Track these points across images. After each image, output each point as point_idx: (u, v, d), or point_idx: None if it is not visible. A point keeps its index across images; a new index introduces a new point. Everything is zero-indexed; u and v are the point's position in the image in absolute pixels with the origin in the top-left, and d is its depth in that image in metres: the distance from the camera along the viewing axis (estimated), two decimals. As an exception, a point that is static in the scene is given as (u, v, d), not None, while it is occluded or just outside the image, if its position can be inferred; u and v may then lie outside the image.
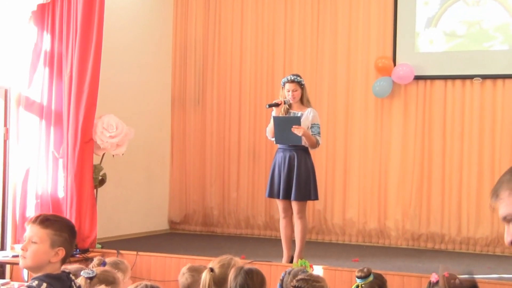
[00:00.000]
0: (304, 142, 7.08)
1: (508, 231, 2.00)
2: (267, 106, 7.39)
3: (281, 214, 7.41)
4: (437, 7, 9.11)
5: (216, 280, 4.49)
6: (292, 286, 4.30)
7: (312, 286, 4.27)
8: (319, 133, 7.20)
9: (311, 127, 7.17)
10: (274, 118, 7.16)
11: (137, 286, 3.85)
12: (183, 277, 4.65)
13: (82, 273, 4.22)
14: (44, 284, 3.40)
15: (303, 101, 7.28)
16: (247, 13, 10.08)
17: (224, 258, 4.70)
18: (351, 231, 9.46)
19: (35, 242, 3.41)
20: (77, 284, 3.65)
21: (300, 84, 7.27)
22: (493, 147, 8.85)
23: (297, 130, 6.97)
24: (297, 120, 7.01)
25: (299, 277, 4.32)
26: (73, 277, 3.63)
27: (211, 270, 4.52)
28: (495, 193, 2.02)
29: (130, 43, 9.43)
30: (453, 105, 9.05)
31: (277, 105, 7.19)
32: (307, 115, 7.17)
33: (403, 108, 9.27)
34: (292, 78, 7.28)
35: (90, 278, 4.16)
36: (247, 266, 4.49)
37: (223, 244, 8.89)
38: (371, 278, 4.72)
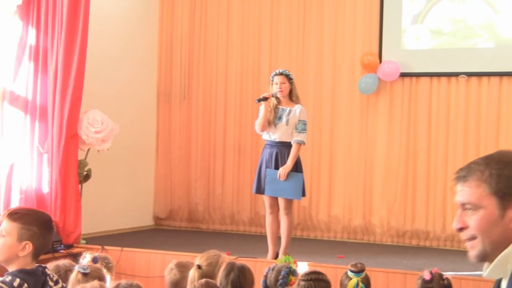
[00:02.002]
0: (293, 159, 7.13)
1: (459, 218, 2.08)
2: (257, 101, 7.39)
3: (267, 210, 7.42)
4: (423, 4, 9.14)
5: (204, 277, 4.50)
6: (302, 280, 4.32)
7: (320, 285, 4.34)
8: (303, 129, 7.19)
9: (297, 123, 7.19)
10: (268, 171, 7.21)
11: (117, 285, 3.85)
12: (171, 273, 4.65)
13: (77, 267, 4.23)
14: (17, 280, 3.40)
15: (292, 97, 7.30)
16: (233, 9, 10.08)
17: (212, 255, 4.70)
18: (336, 228, 9.48)
19: (3, 236, 3.41)
20: (54, 279, 3.64)
21: (289, 78, 7.29)
22: (478, 144, 8.89)
23: (282, 177, 7.07)
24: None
25: (309, 276, 4.35)
26: (48, 271, 3.62)
27: (199, 267, 4.53)
28: (464, 177, 2.10)
29: (115, 38, 9.42)
30: (439, 102, 9.10)
31: (265, 99, 7.21)
32: (295, 112, 7.20)
33: (388, 105, 9.30)
34: (281, 71, 7.33)
35: (85, 274, 4.17)
36: (239, 263, 4.51)
37: (208, 240, 8.91)
38: (364, 274, 4.79)
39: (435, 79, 9.12)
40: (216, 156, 10.10)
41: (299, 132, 7.18)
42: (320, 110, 9.59)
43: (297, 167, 7.23)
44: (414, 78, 9.21)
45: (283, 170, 7.08)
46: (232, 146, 10.02)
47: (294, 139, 7.17)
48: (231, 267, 4.41)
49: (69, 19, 7.71)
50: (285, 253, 6.97)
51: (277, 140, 7.22)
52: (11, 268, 3.50)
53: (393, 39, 9.28)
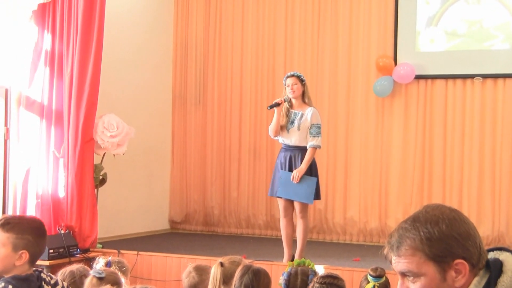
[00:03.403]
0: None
1: (402, 285, 2.03)
2: (268, 108, 7.42)
3: (281, 214, 7.40)
4: (438, 6, 9.14)
5: (225, 275, 4.53)
6: (317, 283, 4.31)
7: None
8: (318, 133, 7.16)
9: (310, 128, 7.15)
10: (282, 173, 7.20)
11: None
12: (189, 276, 4.68)
13: (92, 272, 4.24)
14: (10, 287, 3.37)
15: (305, 99, 7.28)
16: (247, 12, 10.10)
17: (234, 256, 4.76)
18: (352, 230, 9.48)
19: None
20: (52, 281, 3.60)
21: (301, 80, 7.27)
22: (494, 146, 8.89)
23: (295, 179, 7.08)
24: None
25: (324, 279, 4.32)
26: (44, 275, 3.57)
27: (221, 264, 4.57)
28: (396, 248, 2.02)
29: (130, 42, 9.45)
30: (454, 104, 9.09)
31: (277, 105, 7.20)
32: (306, 116, 7.17)
33: (403, 108, 9.30)
34: (293, 73, 7.34)
35: (101, 278, 4.18)
36: (256, 266, 4.50)
37: (224, 243, 8.91)
38: (384, 279, 4.74)
39: (450, 81, 9.11)
40: (232, 160, 10.11)
41: (314, 137, 7.15)
42: (336, 112, 9.59)
43: (311, 171, 7.20)
44: (429, 81, 9.20)
45: (297, 173, 7.06)
46: (247, 149, 10.02)
47: (309, 143, 7.13)
48: (246, 269, 4.42)
49: (84, 24, 7.74)
50: (300, 256, 6.95)
51: (291, 144, 7.20)
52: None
53: (408, 42, 9.28)
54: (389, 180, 9.35)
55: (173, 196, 10.34)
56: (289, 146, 7.23)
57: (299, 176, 7.07)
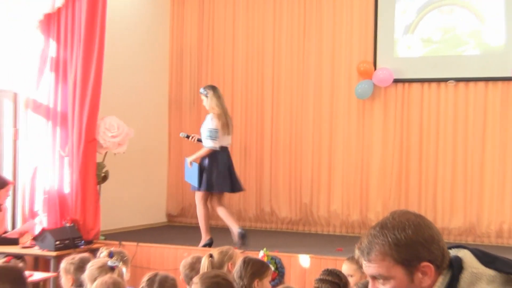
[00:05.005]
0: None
1: (373, 286, 2.04)
2: (181, 135, 8.17)
3: (221, 203, 7.82)
4: (414, 15, 9.17)
5: (214, 265, 4.60)
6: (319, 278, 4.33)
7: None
8: (207, 136, 7.52)
9: (205, 131, 7.58)
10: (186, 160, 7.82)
11: (154, 275, 3.97)
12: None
13: (109, 263, 4.34)
14: None
15: (207, 107, 7.66)
16: (238, 21, 10.12)
17: (224, 248, 4.82)
18: (335, 223, 9.52)
19: None
20: None
21: (204, 95, 7.68)
22: (465, 144, 8.94)
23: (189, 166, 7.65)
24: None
25: (325, 276, 4.35)
26: None
27: (210, 256, 4.63)
28: (367, 253, 2.02)
29: (130, 50, 9.46)
30: (429, 106, 9.13)
31: (187, 137, 7.91)
32: (205, 121, 7.64)
33: (383, 109, 9.34)
34: (200, 91, 7.86)
35: (112, 268, 4.28)
36: (249, 256, 4.57)
37: (217, 235, 8.90)
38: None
39: (426, 85, 9.15)
40: (224, 158, 10.10)
41: (205, 139, 7.56)
42: (320, 114, 9.63)
43: (206, 164, 7.60)
44: (406, 84, 9.24)
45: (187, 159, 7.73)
46: (238, 148, 10.00)
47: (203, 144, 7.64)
48: (241, 259, 4.49)
49: (87, 32, 7.75)
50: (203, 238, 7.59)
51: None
52: None
53: (386, 48, 9.31)
54: (370, 176, 9.39)
55: (170, 192, 10.36)
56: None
57: (189, 161, 7.67)
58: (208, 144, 7.54)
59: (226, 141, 7.70)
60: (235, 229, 7.63)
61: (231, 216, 7.89)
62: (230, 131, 7.73)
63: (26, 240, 7.36)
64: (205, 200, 7.74)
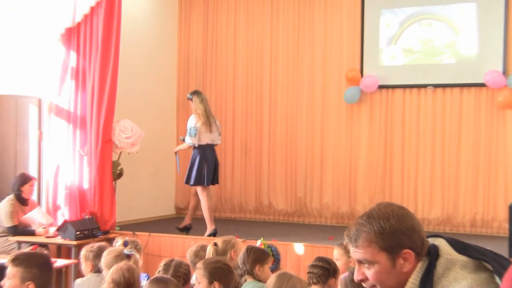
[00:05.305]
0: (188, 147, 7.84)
1: (359, 271, 2.04)
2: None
3: (210, 195, 7.92)
4: (397, 28, 9.18)
5: (218, 252, 4.65)
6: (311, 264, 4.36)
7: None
8: (187, 133, 7.73)
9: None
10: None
11: (170, 261, 4.01)
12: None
13: (125, 251, 4.39)
14: None
15: (192, 110, 7.80)
16: (239, 32, 10.13)
17: (227, 237, 4.86)
18: (326, 214, 9.53)
19: (9, 278, 3.35)
20: None
21: (190, 99, 7.87)
22: (443, 144, 8.95)
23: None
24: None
25: (317, 262, 4.38)
26: None
27: (215, 244, 4.67)
28: (354, 240, 2.02)
29: (141, 58, 9.46)
30: (411, 109, 9.14)
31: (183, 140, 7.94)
32: (188, 121, 7.80)
33: (369, 113, 9.34)
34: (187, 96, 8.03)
35: (128, 256, 4.33)
36: (252, 245, 4.62)
37: (220, 226, 8.89)
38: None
39: (407, 90, 9.16)
40: (227, 156, 10.11)
41: (186, 136, 7.74)
42: (313, 117, 9.64)
43: (194, 160, 7.76)
44: (390, 90, 9.24)
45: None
46: (239, 148, 10.05)
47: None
48: (249, 248, 4.53)
49: (103, 45, 7.77)
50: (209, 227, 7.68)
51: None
52: None
53: (372, 57, 9.31)
54: (357, 172, 9.40)
55: (178, 187, 10.33)
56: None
57: (174, 150, 8.16)
58: (187, 140, 7.71)
59: (210, 139, 7.78)
60: (188, 220, 7.96)
61: (193, 211, 8.08)
62: (214, 130, 7.80)
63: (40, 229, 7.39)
64: (207, 192, 7.76)
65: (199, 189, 7.75)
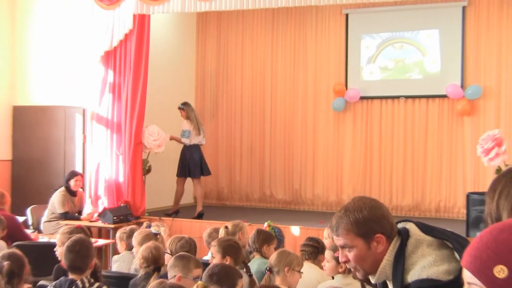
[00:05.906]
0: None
1: (342, 254, 2.04)
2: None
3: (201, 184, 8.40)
4: (375, 50, 9.19)
5: (228, 234, 4.65)
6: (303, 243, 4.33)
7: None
8: (181, 134, 8.02)
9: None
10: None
11: (180, 239, 4.02)
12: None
13: (153, 230, 4.40)
14: None
15: (184, 117, 8.04)
16: (245, 54, 10.10)
17: (236, 221, 4.87)
18: (318, 202, 9.52)
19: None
20: (86, 286, 3.30)
21: (181, 109, 8.09)
22: (412, 144, 8.95)
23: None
24: None
25: (308, 242, 4.34)
26: (80, 284, 3.27)
27: (226, 227, 4.68)
28: (335, 230, 2.03)
29: (166, 75, 9.41)
30: (386, 116, 9.13)
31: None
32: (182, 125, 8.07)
33: (352, 119, 9.33)
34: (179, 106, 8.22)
35: (156, 234, 4.34)
36: (261, 228, 4.63)
37: (231, 212, 8.93)
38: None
39: (383, 101, 9.15)
40: (236, 155, 10.12)
41: (181, 136, 8.01)
42: (306, 122, 9.62)
43: (185, 156, 8.11)
44: (369, 100, 9.24)
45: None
46: (246, 148, 10.03)
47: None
48: (258, 231, 4.53)
49: (135, 64, 7.78)
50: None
51: None
52: None
53: (355, 73, 9.29)
54: (343, 168, 9.39)
55: (195, 180, 10.34)
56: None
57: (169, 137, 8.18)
58: (183, 140, 8.00)
59: (198, 140, 8.12)
60: (175, 208, 8.15)
61: (179, 199, 8.29)
62: (201, 133, 8.12)
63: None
64: (198, 181, 8.24)
65: (194, 180, 8.18)
